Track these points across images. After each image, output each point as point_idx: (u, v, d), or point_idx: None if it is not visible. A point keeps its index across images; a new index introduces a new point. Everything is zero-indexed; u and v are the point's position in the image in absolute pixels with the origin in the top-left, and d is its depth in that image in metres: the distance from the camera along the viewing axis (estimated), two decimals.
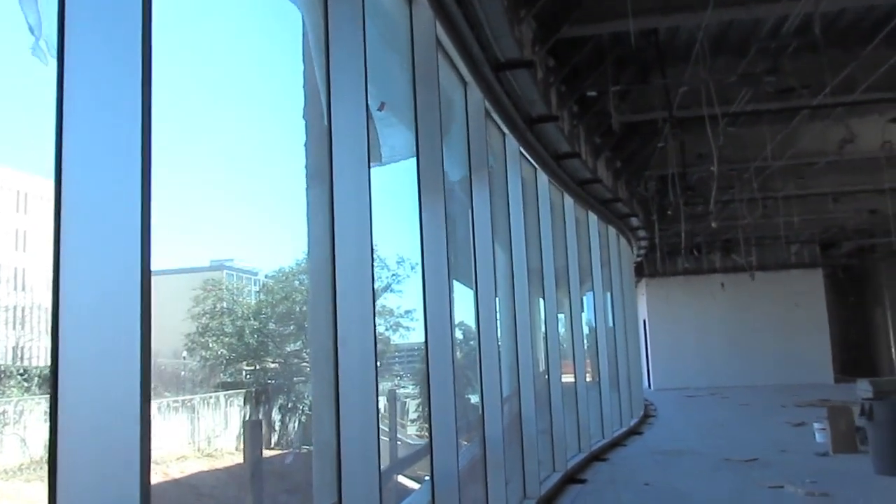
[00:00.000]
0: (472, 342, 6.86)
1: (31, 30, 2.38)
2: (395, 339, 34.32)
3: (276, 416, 29.39)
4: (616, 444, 12.08)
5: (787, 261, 24.13)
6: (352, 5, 3.85)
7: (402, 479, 10.59)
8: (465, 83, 6.60)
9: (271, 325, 34.78)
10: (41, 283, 53.85)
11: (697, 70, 8.88)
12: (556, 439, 8.99)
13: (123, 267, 2.06)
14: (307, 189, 4.13)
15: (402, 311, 33.42)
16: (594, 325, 12.50)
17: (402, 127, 5.00)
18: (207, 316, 35.02)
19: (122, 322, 2.03)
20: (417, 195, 5.14)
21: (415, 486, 9.04)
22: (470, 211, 6.79)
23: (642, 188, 14.20)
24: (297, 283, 33.30)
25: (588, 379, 11.34)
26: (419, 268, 5.33)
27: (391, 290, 33.46)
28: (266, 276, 41.42)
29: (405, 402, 28.01)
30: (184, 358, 39.47)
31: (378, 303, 34.09)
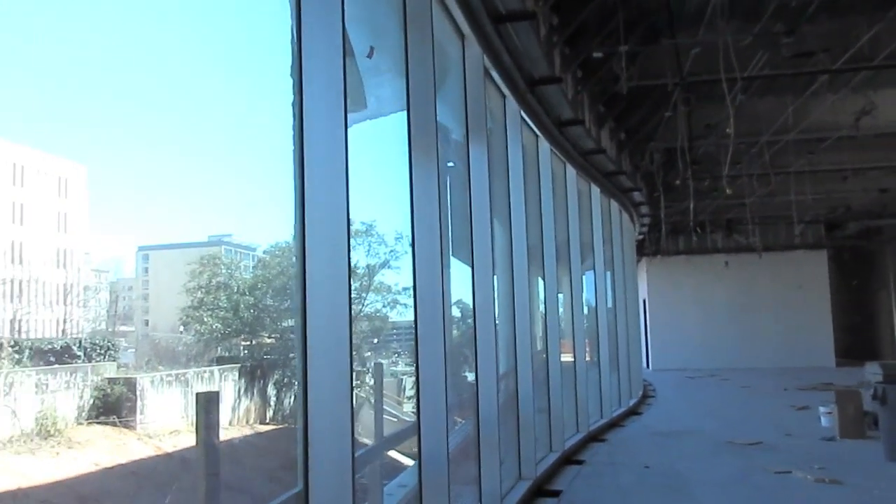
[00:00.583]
0: (469, 320, 6.47)
1: None
2: (393, 315, 34.06)
3: (271, 391, 29.20)
4: (615, 424, 11.75)
5: (791, 241, 23.67)
6: None
7: (396, 454, 10.29)
8: (462, 36, 6.12)
9: (268, 301, 34.49)
10: (38, 257, 53.55)
11: (711, 30, 8.37)
12: (553, 419, 8.63)
13: None
14: (293, 151, 3.70)
15: (400, 288, 33.11)
16: (594, 303, 12.12)
17: (393, 75, 4.53)
18: (203, 290, 34.70)
19: None
20: (408, 154, 4.70)
21: (409, 462, 8.75)
22: (466, 177, 6.35)
23: (647, 161, 13.71)
24: (294, 258, 32.98)
25: (587, 358, 10.98)
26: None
27: (389, 267, 33.16)
28: (264, 252, 41.18)
29: (402, 380, 27.79)
30: (180, 332, 39.28)
31: (375, 279, 33.51)
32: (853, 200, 20.40)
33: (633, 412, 13.47)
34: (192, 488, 19.57)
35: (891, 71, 10.24)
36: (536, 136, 8.96)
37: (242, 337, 34.31)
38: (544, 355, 8.79)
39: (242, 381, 27.41)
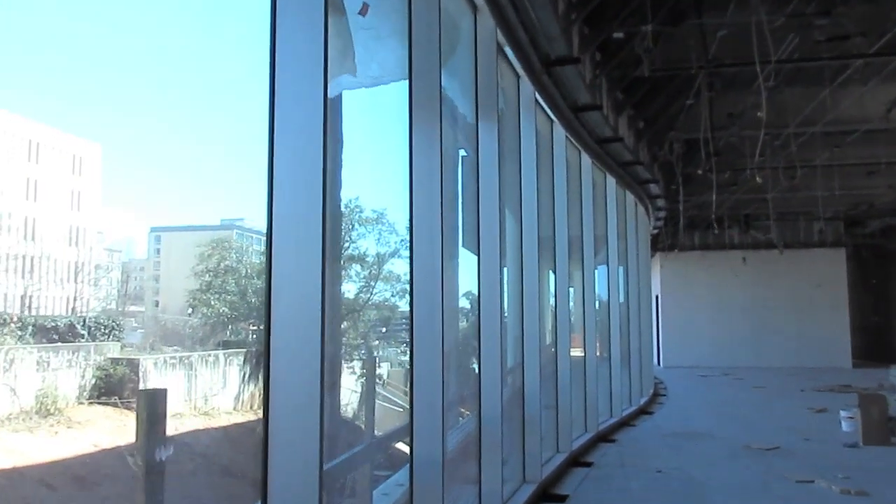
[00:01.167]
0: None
1: None
2: (402, 305, 33.72)
3: None
4: (625, 423, 11.34)
5: (810, 238, 23.05)
6: None
7: (403, 447, 9.92)
8: (475, 7, 5.68)
9: None
10: (50, 234, 53.64)
11: (741, 10, 7.86)
12: (561, 417, 8.21)
13: None
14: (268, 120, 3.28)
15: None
16: (606, 298, 11.68)
17: (394, 41, 4.09)
18: (211, 273, 34.52)
19: None
20: (408, 128, 4.28)
21: None
22: (475, 160, 5.93)
23: (666, 151, 13.17)
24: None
25: (597, 354, 10.57)
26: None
27: (399, 256, 32.80)
28: None
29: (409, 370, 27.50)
30: (189, 315, 39.17)
31: (384, 268, 33.13)
32: (876, 197, 19.76)
33: (644, 411, 13.05)
34: (191, 472, 19.37)
35: None
36: (551, 120, 8.51)
37: (250, 322, 34.12)
38: (553, 349, 8.38)
39: (247, 366, 27.17)
